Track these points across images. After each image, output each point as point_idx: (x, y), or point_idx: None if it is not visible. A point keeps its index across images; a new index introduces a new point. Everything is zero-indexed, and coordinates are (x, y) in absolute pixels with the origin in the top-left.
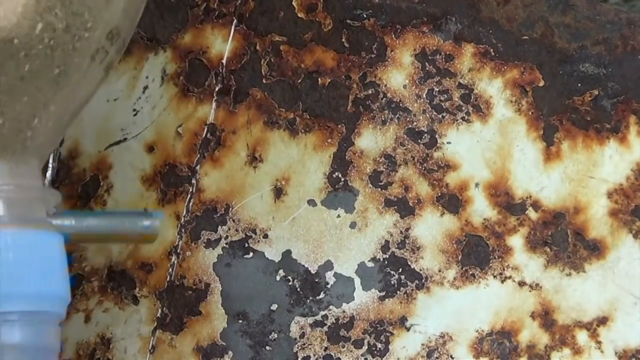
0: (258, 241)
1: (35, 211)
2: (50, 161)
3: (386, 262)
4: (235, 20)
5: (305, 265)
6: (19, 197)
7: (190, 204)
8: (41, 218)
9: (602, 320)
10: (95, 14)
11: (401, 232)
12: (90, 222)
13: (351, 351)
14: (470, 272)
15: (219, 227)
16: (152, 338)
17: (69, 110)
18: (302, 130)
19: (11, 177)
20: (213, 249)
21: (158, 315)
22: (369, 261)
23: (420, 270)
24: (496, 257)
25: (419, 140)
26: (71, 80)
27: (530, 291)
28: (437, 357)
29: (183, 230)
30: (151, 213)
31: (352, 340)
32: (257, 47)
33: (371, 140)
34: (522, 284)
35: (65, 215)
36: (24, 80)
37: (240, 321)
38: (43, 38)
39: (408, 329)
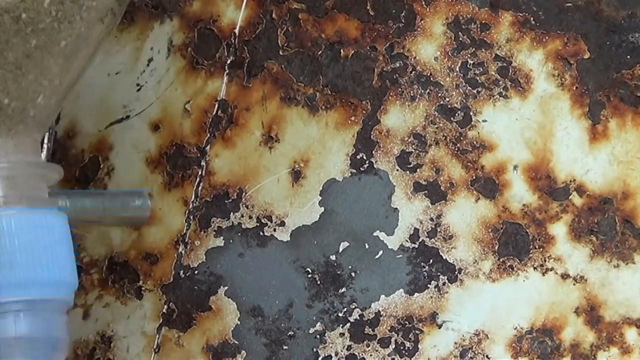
0: (274, 229)
1: (38, 190)
2: (45, 141)
3: (415, 253)
4: None
5: (326, 256)
6: (22, 174)
7: (200, 188)
8: (44, 197)
9: None
10: None
11: (432, 219)
12: (85, 202)
13: (377, 350)
14: (508, 264)
15: (231, 213)
16: (157, 336)
17: (72, 80)
18: (323, 107)
19: (15, 154)
20: (224, 237)
21: (164, 310)
22: (396, 251)
23: (453, 261)
24: (536, 247)
25: (452, 118)
26: (77, 50)
27: (574, 284)
28: (471, 357)
29: (191, 218)
30: (141, 191)
31: (377, 338)
32: (273, 15)
33: (399, 118)
34: (565, 276)
35: (59, 195)
36: (30, 57)
37: (255, 317)
38: (50, 11)
39: (439, 326)
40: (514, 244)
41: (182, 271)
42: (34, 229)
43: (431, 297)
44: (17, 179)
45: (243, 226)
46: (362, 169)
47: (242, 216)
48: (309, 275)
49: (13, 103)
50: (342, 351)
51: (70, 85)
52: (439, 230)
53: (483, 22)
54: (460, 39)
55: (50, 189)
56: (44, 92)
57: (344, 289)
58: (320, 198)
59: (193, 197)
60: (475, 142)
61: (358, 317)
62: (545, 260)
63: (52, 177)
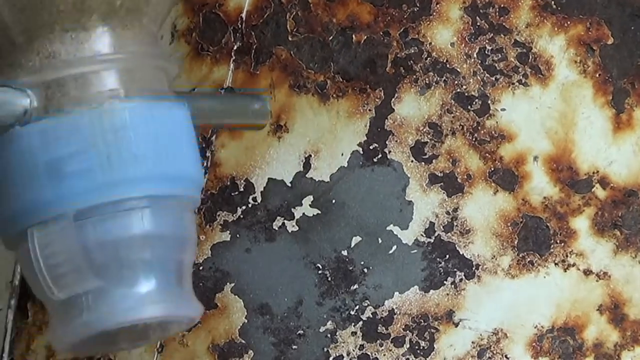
0: (283, 223)
1: (159, 82)
2: None
3: (431, 248)
4: None
5: (338, 251)
6: (142, 65)
7: (205, 180)
8: (165, 90)
9: None
10: None
11: (448, 212)
12: (203, 103)
13: (390, 350)
14: (528, 259)
15: (238, 207)
16: None
17: None
18: (334, 95)
19: (134, 45)
20: (231, 232)
21: None
22: (411, 246)
23: (470, 257)
24: (558, 241)
25: (469, 107)
26: None
27: (597, 281)
28: (489, 357)
29: (196, 211)
30: (261, 96)
31: (391, 337)
32: None
33: (413, 107)
34: (587, 272)
35: (177, 96)
36: None
37: (262, 316)
38: None
39: (456, 325)
40: (534, 238)
41: None
42: (158, 122)
43: (447, 294)
44: (137, 71)
45: (250, 220)
46: (375, 160)
47: (249, 209)
48: (320, 272)
49: None
50: (354, 351)
51: None
52: (455, 224)
53: (502, 6)
54: (478, 23)
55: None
56: None
57: (356, 286)
58: (331, 190)
59: None
60: (493, 132)
61: (371, 315)
62: (566, 256)
63: (171, 70)
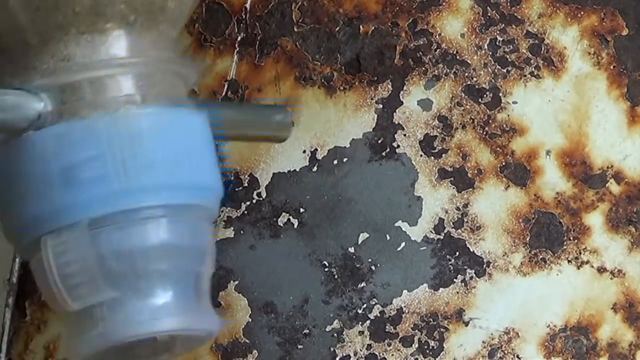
0: (288, 219)
1: (176, 88)
2: None
3: (440, 245)
4: None
5: (344, 248)
6: (160, 70)
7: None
8: (183, 96)
9: None
10: None
11: (458, 208)
12: (224, 113)
13: (399, 350)
14: (540, 256)
15: (242, 202)
16: None
17: None
18: (341, 88)
19: (151, 49)
20: (234, 228)
21: None
22: (420, 243)
23: (481, 254)
24: (571, 238)
25: (480, 100)
26: None
27: (611, 279)
28: (500, 357)
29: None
30: (284, 107)
31: (399, 337)
32: None
33: (422, 100)
34: (602, 270)
35: (196, 103)
36: None
37: (267, 314)
38: None
39: (466, 324)
40: (546, 235)
41: None
42: (175, 129)
43: (457, 292)
44: (155, 76)
45: (255, 216)
46: (383, 154)
47: (254, 205)
48: (326, 269)
49: None
50: (361, 351)
51: None
52: (465, 220)
53: None
54: (489, 14)
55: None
56: None
57: (363, 284)
58: (338, 185)
59: None
60: (504, 126)
61: (378, 314)
62: (580, 253)
63: (190, 77)
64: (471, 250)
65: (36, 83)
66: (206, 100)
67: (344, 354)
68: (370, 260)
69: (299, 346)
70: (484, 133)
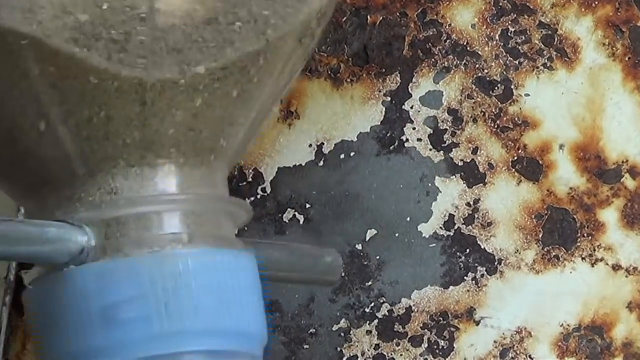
0: (294, 215)
1: (225, 228)
2: None
3: (450, 242)
4: None
5: (351, 245)
6: (208, 209)
7: None
8: (232, 237)
9: None
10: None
11: (469, 204)
12: (273, 254)
13: (407, 350)
14: (553, 254)
15: (246, 198)
16: None
17: (270, 111)
18: (348, 80)
19: (201, 186)
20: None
21: None
22: (429, 240)
23: (492, 251)
24: (585, 234)
25: (491, 92)
26: (274, 95)
27: (626, 276)
28: (512, 357)
29: None
30: (333, 250)
31: (408, 336)
32: None
33: (432, 92)
34: (616, 267)
35: (244, 242)
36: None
37: (272, 313)
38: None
39: (477, 323)
40: (559, 231)
41: None
42: (222, 272)
43: (468, 290)
44: (203, 215)
45: (259, 212)
46: (391, 148)
47: (258, 201)
48: None
49: (205, 131)
50: (369, 350)
51: (267, 115)
52: (476, 216)
53: None
54: (500, 3)
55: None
56: (238, 124)
57: (370, 282)
58: (344, 180)
59: None
60: (516, 119)
61: (387, 313)
62: (594, 250)
63: (240, 216)
64: (482, 247)
65: (80, 216)
66: (254, 241)
67: (351, 354)
68: (378, 257)
69: (305, 346)
70: (495, 126)
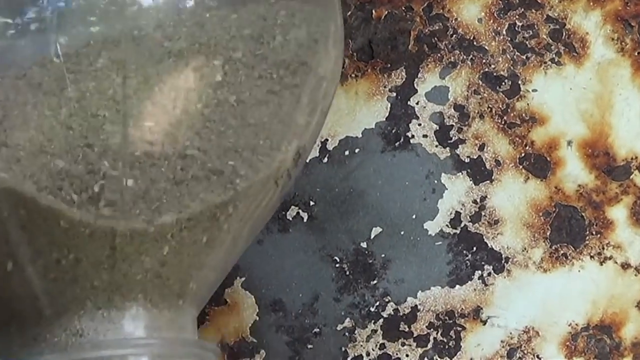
0: (297, 212)
1: None
2: None
3: (457, 240)
4: None
5: (356, 243)
6: (175, 354)
7: None
8: None
9: None
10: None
11: (475, 201)
12: None
13: (413, 350)
14: (562, 252)
15: None
16: None
17: (244, 250)
18: (352, 75)
19: (169, 330)
20: None
21: None
22: (435, 238)
23: (499, 249)
24: (593, 232)
25: (498, 88)
26: (248, 234)
27: (636, 275)
28: (520, 357)
29: None
30: None
31: (414, 336)
32: None
33: (438, 88)
34: (625, 266)
35: None
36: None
37: (275, 313)
38: (229, 233)
39: (484, 323)
40: (567, 229)
41: None
42: None
43: (475, 289)
44: (169, 359)
45: None
46: (396, 144)
47: None
48: (337, 265)
49: (172, 277)
50: (374, 350)
51: (242, 252)
52: (483, 214)
53: None
54: None
55: None
56: (208, 268)
57: (376, 281)
58: (349, 177)
59: None
60: (524, 115)
61: (392, 312)
62: (603, 248)
63: (208, 358)
64: (489, 245)
65: (45, 358)
66: None
67: (356, 354)
68: (383, 255)
69: (309, 345)
70: (503, 122)
